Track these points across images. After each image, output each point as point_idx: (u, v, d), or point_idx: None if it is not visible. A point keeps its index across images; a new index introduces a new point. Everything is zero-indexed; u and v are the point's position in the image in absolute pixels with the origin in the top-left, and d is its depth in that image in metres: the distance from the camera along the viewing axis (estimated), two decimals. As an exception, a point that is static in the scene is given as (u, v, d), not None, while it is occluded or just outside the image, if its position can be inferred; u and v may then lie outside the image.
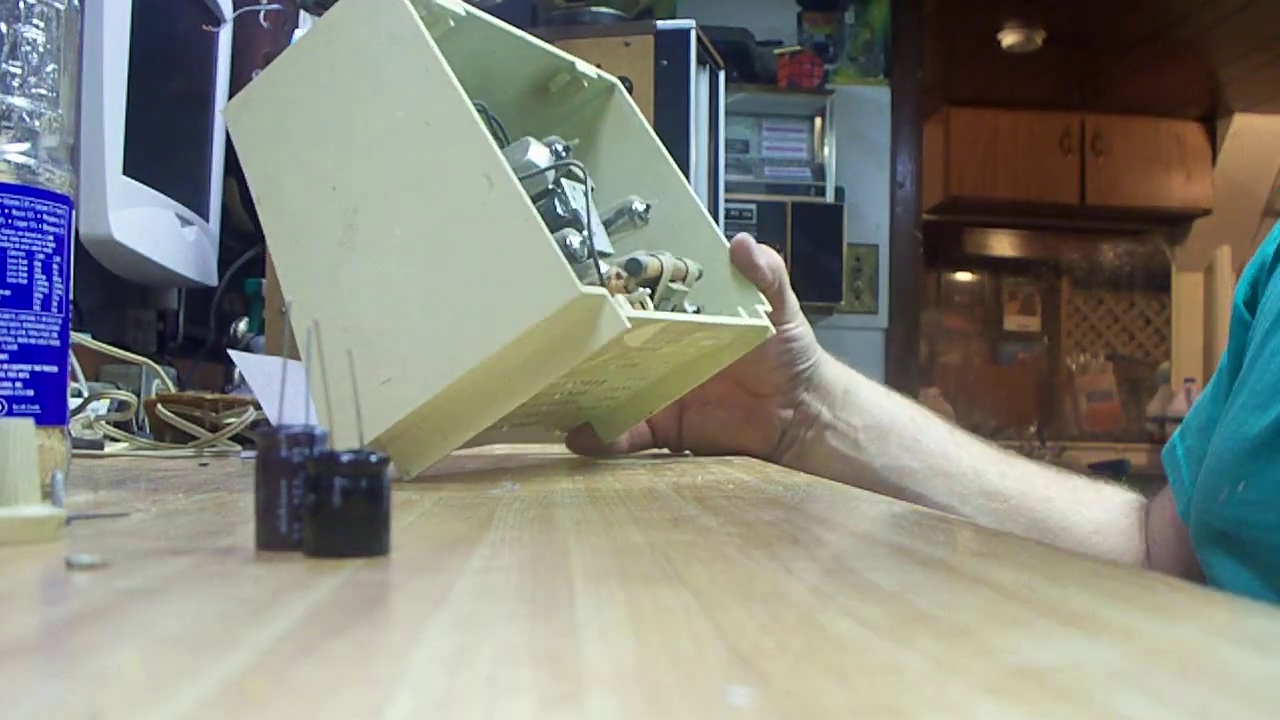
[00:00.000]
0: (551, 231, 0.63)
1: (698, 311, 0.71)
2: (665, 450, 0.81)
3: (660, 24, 1.49)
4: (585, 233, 0.64)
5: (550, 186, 0.65)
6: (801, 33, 3.48)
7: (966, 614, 0.23)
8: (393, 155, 0.53)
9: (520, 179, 0.63)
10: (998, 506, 0.77)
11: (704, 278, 0.71)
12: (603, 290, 0.50)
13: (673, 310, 0.68)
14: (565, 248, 0.62)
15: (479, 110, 0.67)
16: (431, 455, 0.53)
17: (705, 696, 0.17)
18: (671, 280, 0.67)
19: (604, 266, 0.63)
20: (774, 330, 0.70)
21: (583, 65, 0.73)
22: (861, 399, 0.79)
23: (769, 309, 0.71)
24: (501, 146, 0.67)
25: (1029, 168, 4.56)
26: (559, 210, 0.66)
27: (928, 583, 0.27)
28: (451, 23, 0.60)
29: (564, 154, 0.66)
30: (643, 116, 0.76)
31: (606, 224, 0.70)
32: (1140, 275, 5.15)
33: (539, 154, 0.65)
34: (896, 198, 3.48)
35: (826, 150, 3.25)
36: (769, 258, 0.72)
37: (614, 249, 0.69)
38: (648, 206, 0.70)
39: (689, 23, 1.51)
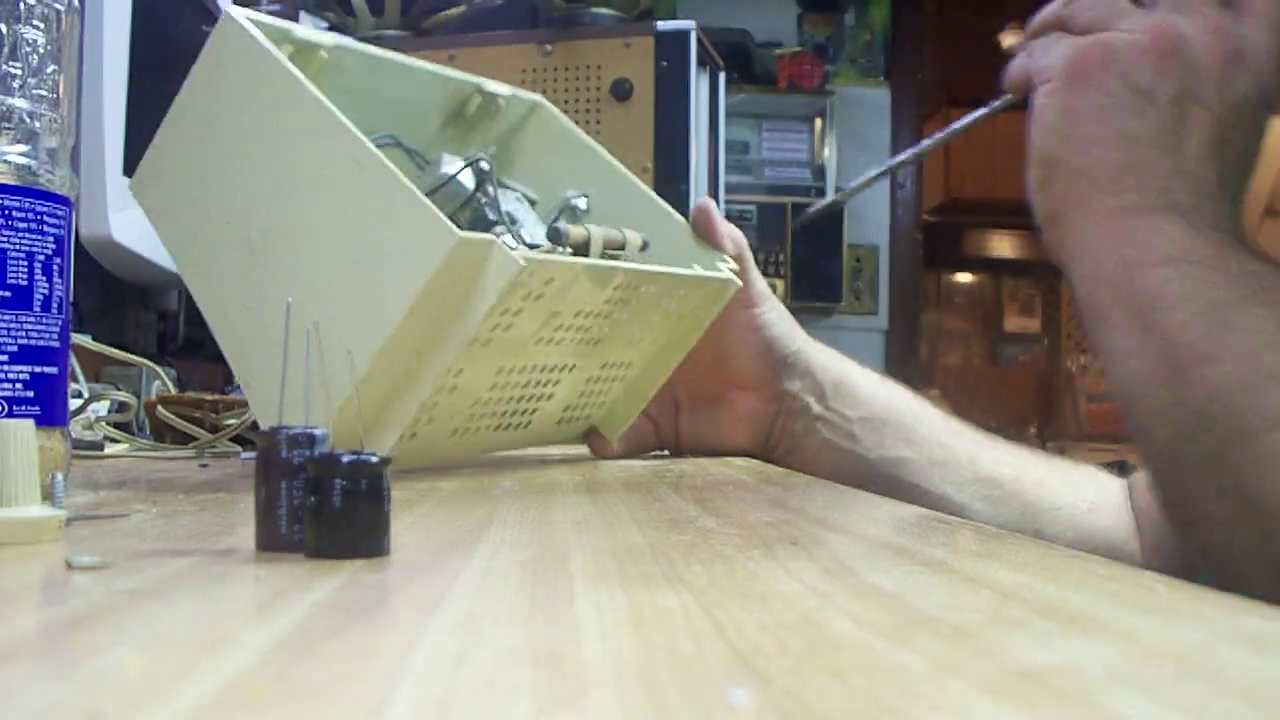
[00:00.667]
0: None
1: None
2: (666, 452, 0.81)
3: (660, 25, 1.49)
4: (513, 228, 0.65)
5: (479, 195, 0.66)
6: (802, 34, 3.49)
7: (966, 614, 0.23)
8: (275, 172, 0.55)
9: (439, 188, 0.65)
10: (992, 493, 0.76)
11: (666, 254, 0.71)
12: (488, 236, 0.51)
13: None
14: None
15: (390, 143, 0.68)
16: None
17: (705, 697, 0.17)
18: (606, 249, 0.67)
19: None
20: (739, 282, 0.69)
21: (492, 85, 0.74)
22: (855, 389, 0.77)
23: (735, 267, 0.70)
24: (420, 170, 0.69)
25: (1029, 169, 4.55)
26: (489, 215, 0.67)
27: (927, 583, 0.27)
28: (324, 54, 0.61)
29: (489, 167, 0.66)
30: (570, 123, 0.77)
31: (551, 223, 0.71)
32: (1140, 276, 5.14)
33: (454, 166, 0.66)
34: (896, 199, 3.48)
35: (827, 151, 3.25)
36: (730, 230, 0.71)
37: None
38: (585, 198, 0.71)
39: (689, 24, 1.51)
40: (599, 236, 0.67)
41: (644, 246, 0.70)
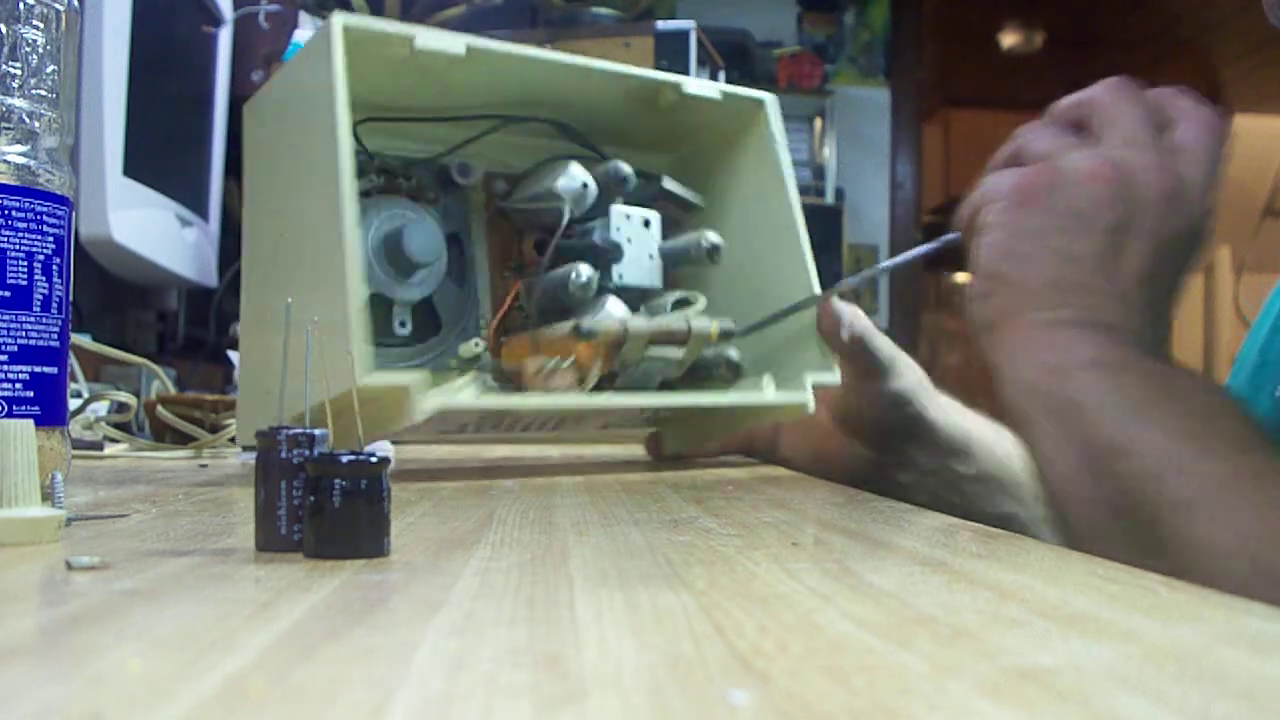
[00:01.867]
0: (568, 259, 0.63)
1: (737, 367, 0.68)
2: (750, 460, 0.77)
3: (660, 25, 1.49)
4: (615, 263, 0.63)
5: (601, 213, 0.64)
6: (801, 34, 3.48)
7: (966, 615, 0.23)
8: (296, 191, 0.55)
9: (541, 206, 0.63)
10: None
11: (787, 329, 0.68)
12: (405, 381, 0.50)
13: (681, 366, 0.65)
14: (571, 280, 0.61)
15: (557, 126, 0.66)
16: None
17: (705, 698, 0.17)
18: (655, 342, 0.62)
19: (609, 314, 0.62)
20: (810, 409, 0.66)
21: (695, 86, 0.68)
22: (971, 448, 0.73)
23: (830, 381, 0.67)
24: (586, 159, 0.67)
25: (1029, 169, 4.55)
26: (595, 239, 0.65)
27: (927, 584, 0.27)
28: (449, 61, 0.60)
29: (623, 179, 0.64)
30: (778, 143, 0.72)
31: (672, 257, 0.68)
32: (1140, 276, 5.14)
33: (573, 179, 0.64)
34: (896, 199, 3.48)
35: (826, 151, 3.25)
36: (855, 322, 0.68)
37: (684, 284, 0.68)
38: (715, 247, 0.67)
39: (689, 23, 1.51)
40: (642, 333, 0.61)
41: (726, 335, 0.66)
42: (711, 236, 0.68)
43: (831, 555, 0.32)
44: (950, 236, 0.62)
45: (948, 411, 0.74)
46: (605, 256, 0.66)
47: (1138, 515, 0.48)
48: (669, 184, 0.70)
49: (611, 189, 0.66)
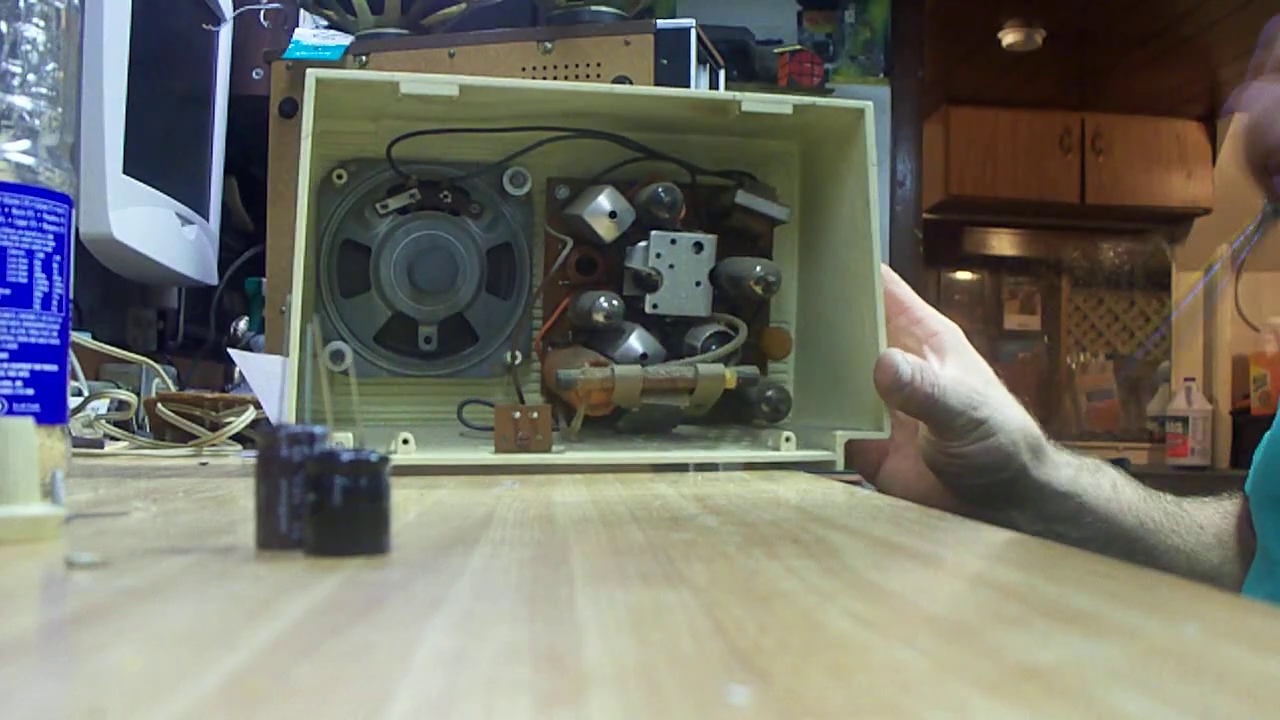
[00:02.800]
0: (612, 281, 0.64)
1: (778, 406, 0.65)
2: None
3: (660, 23, 1.49)
4: (653, 290, 0.63)
5: (640, 240, 0.64)
6: (801, 32, 3.48)
7: (967, 613, 0.23)
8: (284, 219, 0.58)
9: (579, 220, 0.64)
10: (1215, 583, 0.70)
11: (848, 372, 0.65)
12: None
13: (700, 408, 0.62)
14: (594, 308, 0.61)
15: (617, 140, 0.66)
16: None
17: (705, 695, 0.17)
18: (651, 390, 0.60)
19: (630, 348, 0.62)
20: (838, 465, 0.62)
21: (753, 104, 0.64)
22: (1082, 512, 0.67)
23: (869, 434, 0.62)
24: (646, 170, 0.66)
25: (1029, 167, 4.55)
26: (634, 263, 0.65)
27: (928, 581, 0.27)
28: (446, 101, 0.60)
29: (667, 203, 0.63)
30: (870, 163, 0.65)
31: (724, 283, 0.66)
32: (1140, 274, 5.14)
33: (603, 205, 0.63)
34: (896, 196, 3.48)
35: (827, 149, 3.24)
36: (920, 377, 0.61)
37: (731, 314, 0.67)
38: (765, 281, 0.64)
39: (689, 22, 1.50)
40: (633, 382, 0.59)
41: (749, 381, 0.62)
42: (764, 268, 0.64)
43: (832, 553, 0.32)
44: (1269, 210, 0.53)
45: (1058, 468, 0.66)
46: (645, 282, 0.65)
47: None
48: (743, 198, 0.66)
49: (654, 212, 0.64)
